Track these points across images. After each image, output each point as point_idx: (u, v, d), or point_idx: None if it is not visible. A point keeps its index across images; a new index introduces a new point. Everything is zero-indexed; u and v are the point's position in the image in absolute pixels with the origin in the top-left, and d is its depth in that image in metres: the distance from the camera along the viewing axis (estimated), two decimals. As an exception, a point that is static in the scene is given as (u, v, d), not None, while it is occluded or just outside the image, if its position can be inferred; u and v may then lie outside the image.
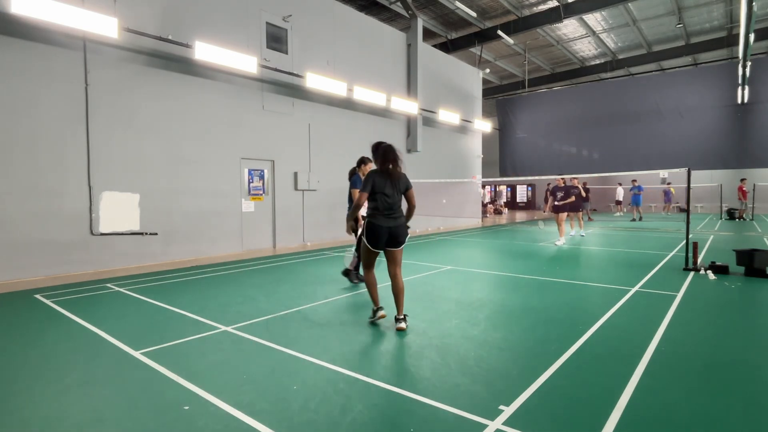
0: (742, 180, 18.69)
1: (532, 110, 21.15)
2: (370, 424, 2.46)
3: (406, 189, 4.19)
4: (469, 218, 17.83)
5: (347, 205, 5.86)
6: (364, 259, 4.26)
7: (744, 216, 18.52)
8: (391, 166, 4.11)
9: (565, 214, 11.00)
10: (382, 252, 4.24)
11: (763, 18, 16.69)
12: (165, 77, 8.33)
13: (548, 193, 11.06)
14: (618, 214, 19.47)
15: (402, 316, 4.16)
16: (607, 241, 11.40)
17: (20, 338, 4.00)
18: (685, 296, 5.36)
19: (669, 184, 22.86)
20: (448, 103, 16.29)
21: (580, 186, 12.57)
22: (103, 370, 3.26)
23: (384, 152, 4.14)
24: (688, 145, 16.91)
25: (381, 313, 4.28)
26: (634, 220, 18.55)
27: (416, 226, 14.83)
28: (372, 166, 5.43)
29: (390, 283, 4.23)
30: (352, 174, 6.14)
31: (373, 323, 4.32)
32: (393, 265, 4.22)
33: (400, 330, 4.10)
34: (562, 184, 10.84)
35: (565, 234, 11.32)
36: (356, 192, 5.59)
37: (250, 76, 9.65)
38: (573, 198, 10.85)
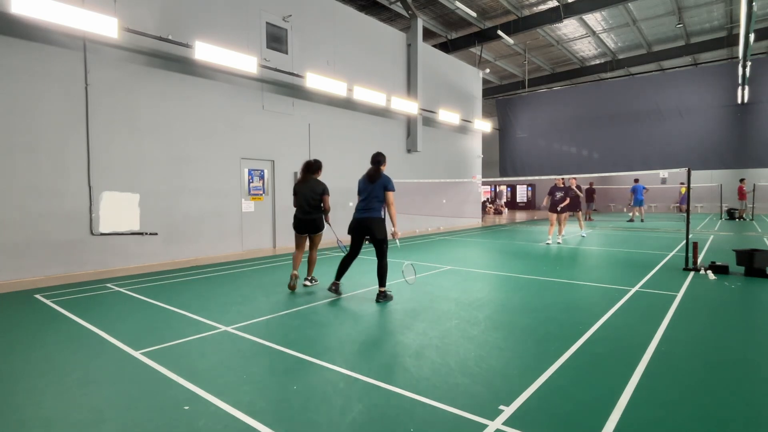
0: (742, 180, 18.65)
1: (532, 110, 21.15)
2: (370, 424, 2.46)
3: (322, 193, 5.82)
4: (469, 218, 17.83)
5: (378, 207, 5.28)
6: (296, 241, 6.01)
7: (744, 216, 18.49)
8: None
9: (565, 214, 11.01)
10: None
11: (763, 18, 16.69)
12: (165, 77, 8.33)
13: (548, 194, 11.08)
14: (638, 214, 19.03)
15: (309, 278, 6.05)
16: (607, 241, 11.41)
17: (20, 338, 4.00)
18: (685, 296, 5.36)
19: (682, 183, 22.52)
20: (448, 103, 16.29)
21: (574, 187, 12.38)
22: (103, 370, 3.26)
23: (319, 167, 6.02)
24: (688, 145, 16.90)
25: (294, 277, 5.76)
26: (631, 220, 18.47)
27: (416, 226, 14.84)
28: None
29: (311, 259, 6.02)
30: (377, 174, 5.30)
31: (292, 288, 5.74)
32: (312, 245, 6.02)
33: (306, 285, 5.96)
34: (561, 185, 10.84)
35: (561, 233, 11.30)
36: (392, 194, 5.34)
37: (250, 76, 9.65)
38: (568, 200, 10.82)
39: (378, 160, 5.39)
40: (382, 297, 5.23)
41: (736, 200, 19.23)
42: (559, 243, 10.84)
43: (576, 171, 17.96)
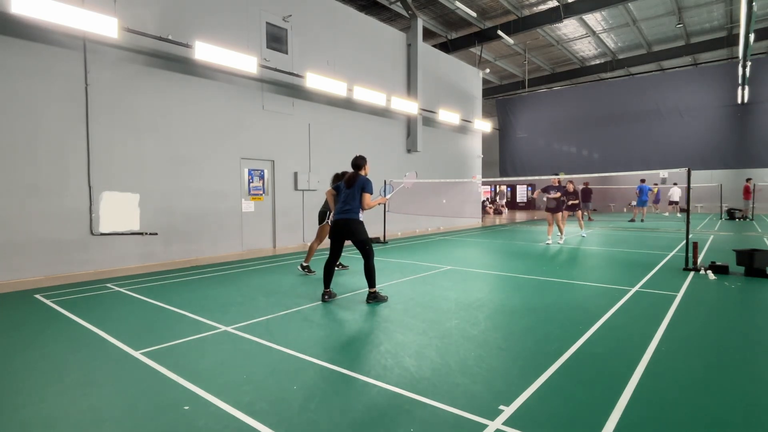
0: (748, 180, 18.54)
1: (532, 110, 21.17)
2: (370, 424, 2.46)
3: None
4: (469, 218, 17.83)
5: (356, 208, 5.27)
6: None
7: (745, 216, 18.46)
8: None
9: (560, 213, 10.95)
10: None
11: (763, 18, 16.69)
12: (165, 77, 8.33)
13: (542, 191, 10.98)
14: (670, 214, 18.59)
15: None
16: (607, 241, 11.40)
17: (20, 338, 4.00)
18: (685, 296, 5.36)
19: (656, 184, 22.29)
20: (448, 103, 16.29)
21: (571, 190, 12.14)
22: (103, 370, 3.25)
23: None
24: (688, 145, 16.92)
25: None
26: (632, 220, 18.42)
27: (416, 225, 14.84)
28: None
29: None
30: (356, 179, 5.32)
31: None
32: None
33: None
34: (557, 184, 10.80)
35: (562, 233, 11.26)
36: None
37: (250, 76, 9.65)
38: (558, 194, 10.70)
39: (358, 164, 5.39)
40: (372, 298, 5.19)
41: (740, 200, 19.12)
42: (560, 243, 10.83)
43: (576, 171, 17.97)
